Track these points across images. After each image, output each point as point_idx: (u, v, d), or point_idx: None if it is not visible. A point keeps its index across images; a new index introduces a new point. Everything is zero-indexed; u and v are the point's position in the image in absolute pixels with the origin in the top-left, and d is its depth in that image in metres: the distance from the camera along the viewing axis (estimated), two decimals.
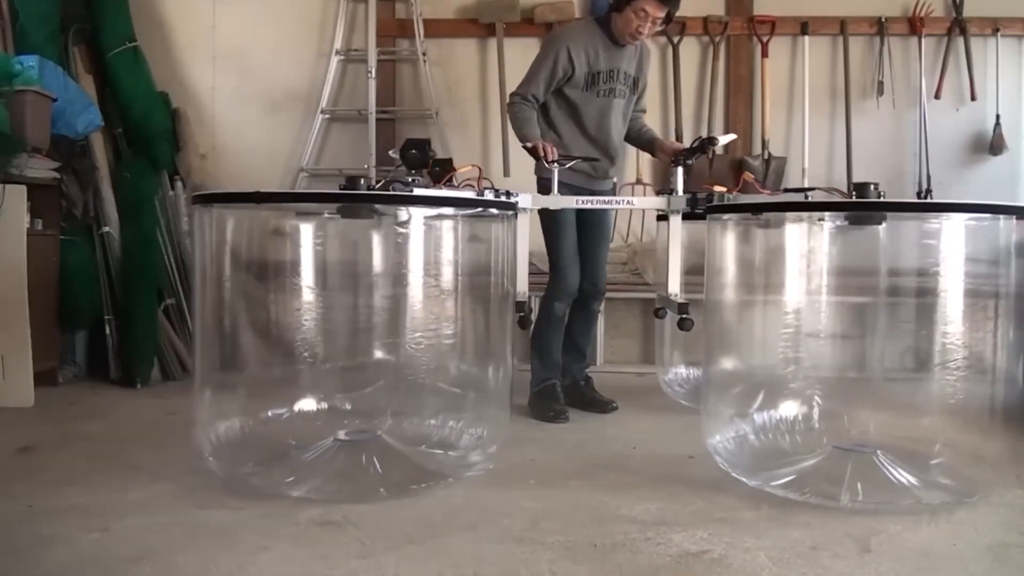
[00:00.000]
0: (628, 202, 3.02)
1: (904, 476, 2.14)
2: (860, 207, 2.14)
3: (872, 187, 2.08)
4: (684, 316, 2.69)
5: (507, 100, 3.09)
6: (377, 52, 4.40)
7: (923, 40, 4.31)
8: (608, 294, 3.20)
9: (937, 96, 4.32)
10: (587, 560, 1.72)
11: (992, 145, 4.29)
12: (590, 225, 3.12)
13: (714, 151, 4.39)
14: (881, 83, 4.34)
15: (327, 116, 4.47)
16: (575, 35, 3.04)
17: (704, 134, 2.90)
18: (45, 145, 3.43)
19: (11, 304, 3.16)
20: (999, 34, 4.28)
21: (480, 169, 2.52)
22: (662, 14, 2.88)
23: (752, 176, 2.74)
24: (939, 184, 4.31)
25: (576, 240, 3.07)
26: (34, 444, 2.59)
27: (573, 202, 2.84)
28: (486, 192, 2.49)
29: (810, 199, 2.27)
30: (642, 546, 1.80)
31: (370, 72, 4.36)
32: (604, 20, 3.03)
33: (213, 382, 2.28)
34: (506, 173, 4.30)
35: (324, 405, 2.53)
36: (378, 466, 2.16)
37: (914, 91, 4.36)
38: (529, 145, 2.87)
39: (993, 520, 1.98)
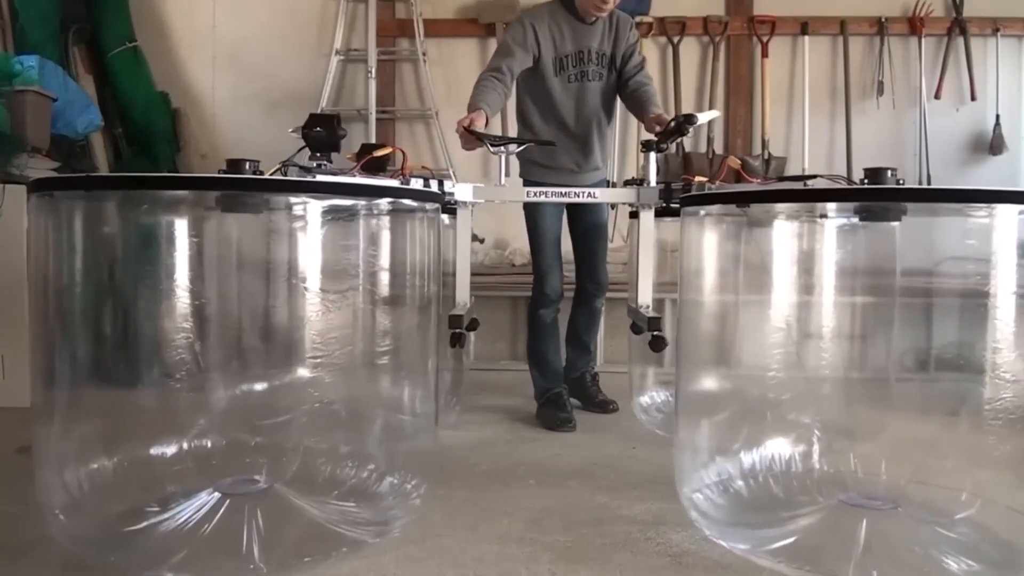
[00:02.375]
0: (589, 194, 2.57)
1: (934, 548, 1.66)
2: (873, 196, 1.62)
3: (889, 173, 1.64)
4: (656, 334, 2.27)
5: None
6: (377, 52, 4.40)
7: (923, 40, 4.31)
8: (608, 294, 3.17)
9: (937, 96, 4.33)
10: (587, 560, 1.72)
11: (992, 145, 4.30)
12: (583, 223, 3.02)
13: (714, 151, 4.40)
14: (881, 83, 4.34)
15: None
16: (537, 16, 2.83)
17: (683, 113, 2.40)
18: (45, 145, 3.43)
19: (11, 304, 3.15)
20: (999, 34, 4.29)
21: (404, 153, 2.18)
22: None
23: (738, 162, 2.20)
24: (939, 184, 4.30)
25: (559, 241, 2.97)
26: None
27: (523, 195, 2.59)
28: (414, 181, 2.15)
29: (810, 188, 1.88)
30: (642, 546, 1.80)
31: (370, 72, 4.36)
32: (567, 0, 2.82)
33: (60, 416, 1.86)
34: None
35: (205, 443, 2.05)
36: (262, 530, 1.71)
37: (914, 91, 4.36)
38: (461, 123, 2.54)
39: None
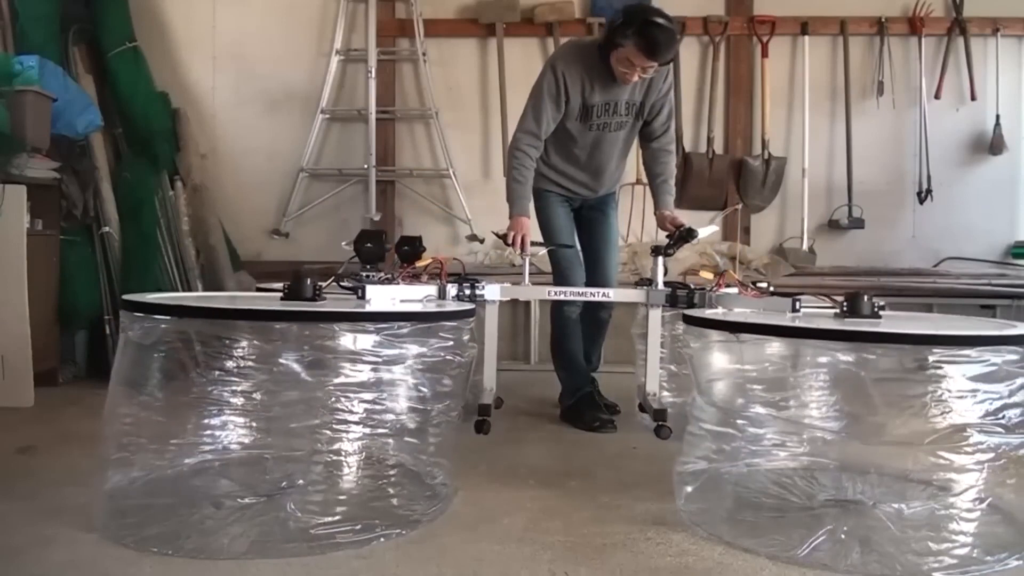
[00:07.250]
0: (604, 295, 2.75)
1: (930, 538, 1.74)
2: (852, 338, 1.77)
3: (865, 299, 1.95)
4: (661, 424, 2.51)
5: (512, 138, 2.83)
6: (377, 52, 4.40)
7: (923, 40, 4.31)
8: None
9: (937, 96, 4.33)
10: (587, 560, 1.72)
11: (992, 145, 4.30)
12: (593, 231, 2.99)
13: (714, 151, 4.41)
14: (881, 83, 4.35)
15: (327, 116, 4.47)
16: (571, 63, 2.73)
17: (687, 224, 2.68)
18: (45, 145, 3.42)
19: (11, 304, 3.15)
20: (999, 34, 4.29)
21: (442, 263, 2.37)
22: (650, 64, 2.58)
23: (735, 276, 2.53)
24: (939, 184, 4.32)
25: (574, 236, 2.95)
26: (34, 444, 2.59)
27: (544, 293, 2.74)
28: (449, 287, 2.37)
29: (798, 306, 2.08)
30: (642, 546, 1.80)
31: (370, 72, 4.37)
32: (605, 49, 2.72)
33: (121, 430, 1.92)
34: (505, 173, 4.30)
35: (250, 451, 2.05)
36: (303, 520, 1.79)
37: (914, 91, 4.37)
38: (501, 232, 2.74)
39: None
